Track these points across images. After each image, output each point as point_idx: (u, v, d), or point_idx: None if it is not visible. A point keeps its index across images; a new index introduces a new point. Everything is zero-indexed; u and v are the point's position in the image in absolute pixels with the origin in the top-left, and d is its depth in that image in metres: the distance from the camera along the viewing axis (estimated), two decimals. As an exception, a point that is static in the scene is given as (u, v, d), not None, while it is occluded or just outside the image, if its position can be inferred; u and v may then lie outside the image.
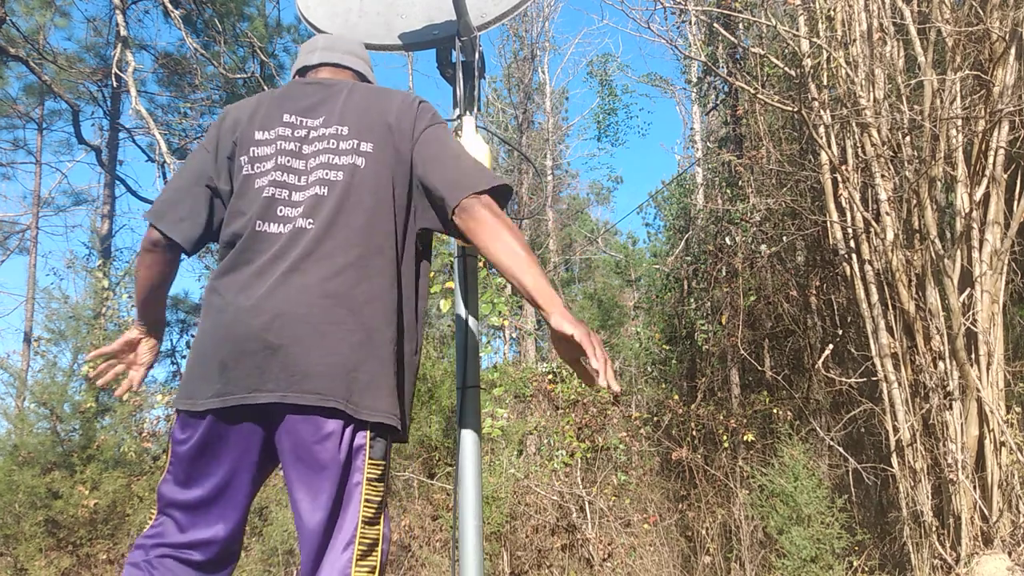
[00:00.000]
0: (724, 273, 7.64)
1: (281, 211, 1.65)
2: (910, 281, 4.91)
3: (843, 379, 5.46)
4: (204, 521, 1.61)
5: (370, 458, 1.57)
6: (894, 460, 4.87)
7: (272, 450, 1.62)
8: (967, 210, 4.70)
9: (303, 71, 1.93)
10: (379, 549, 1.59)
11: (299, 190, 1.67)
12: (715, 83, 9.48)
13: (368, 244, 1.63)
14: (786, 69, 5.68)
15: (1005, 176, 4.74)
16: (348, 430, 1.54)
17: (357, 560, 1.53)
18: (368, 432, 1.57)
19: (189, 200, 1.75)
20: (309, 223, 1.61)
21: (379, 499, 1.60)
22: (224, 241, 1.70)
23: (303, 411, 1.52)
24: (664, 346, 8.68)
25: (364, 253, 1.62)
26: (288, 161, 1.69)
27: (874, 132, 5.05)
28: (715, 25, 7.76)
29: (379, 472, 1.60)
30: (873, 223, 5.04)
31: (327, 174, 1.66)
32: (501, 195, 1.71)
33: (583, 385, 7.31)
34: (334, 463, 1.53)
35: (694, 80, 11.09)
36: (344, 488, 1.54)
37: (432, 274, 7.03)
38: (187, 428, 1.60)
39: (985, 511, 4.45)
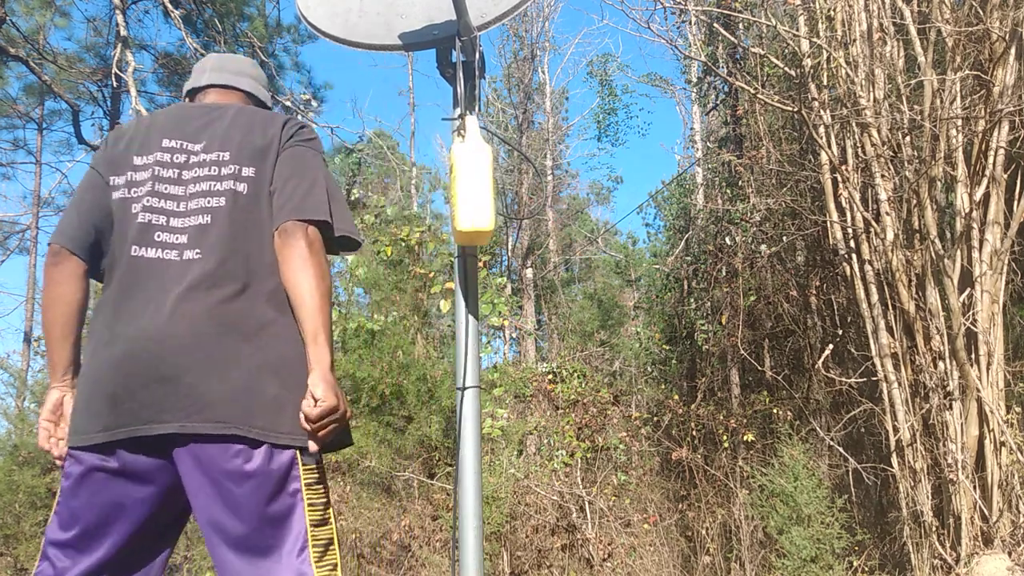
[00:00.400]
0: (724, 273, 7.64)
1: (159, 236, 1.62)
2: (910, 281, 4.91)
3: (843, 379, 5.46)
4: (86, 557, 1.57)
5: (303, 464, 1.59)
6: (894, 460, 4.87)
7: (168, 482, 1.58)
8: (967, 210, 4.70)
9: (192, 93, 1.91)
10: (335, 548, 1.62)
11: (178, 216, 1.64)
12: (715, 83, 9.49)
13: (258, 268, 1.62)
14: (786, 69, 5.68)
15: (1005, 176, 4.74)
16: (264, 448, 1.54)
17: (316, 562, 1.55)
18: (297, 452, 1.59)
19: (87, 219, 1.70)
20: (196, 253, 1.60)
21: (323, 501, 1.62)
22: (106, 265, 1.69)
23: (209, 439, 1.51)
24: (664, 346, 8.68)
25: (254, 278, 1.61)
26: (165, 187, 1.66)
27: (874, 132, 5.05)
28: (715, 25, 7.76)
29: (316, 475, 1.62)
30: (873, 223, 5.04)
31: (209, 201, 1.64)
32: (344, 245, 1.73)
33: (584, 385, 7.31)
34: (260, 475, 1.53)
35: (694, 80, 11.09)
36: (277, 499, 1.55)
37: (432, 274, 7.03)
38: (74, 464, 1.56)
39: (985, 511, 4.45)
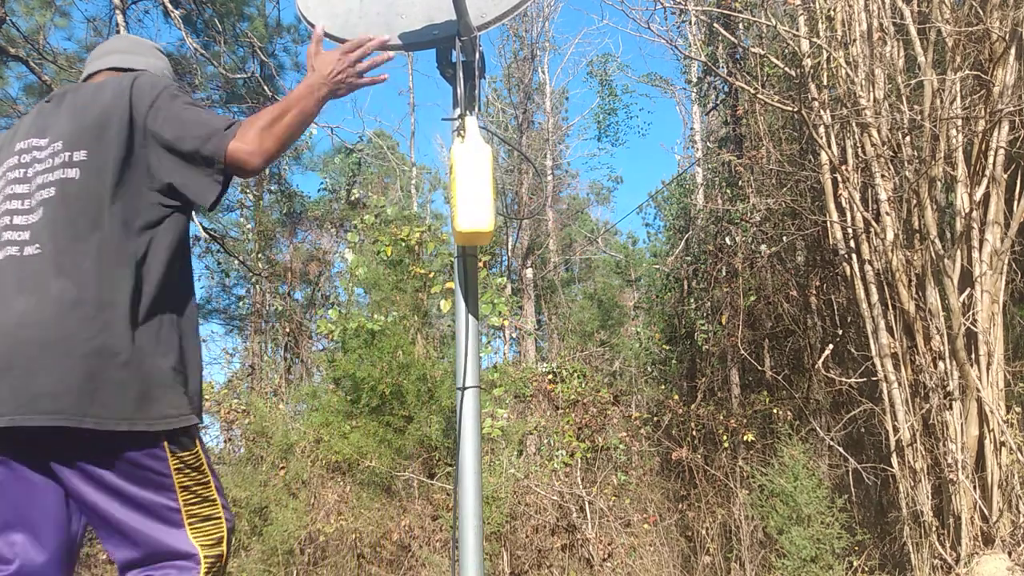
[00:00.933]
0: (724, 273, 7.64)
1: (7, 236, 1.63)
2: (910, 281, 4.91)
3: (843, 379, 5.46)
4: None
5: (171, 452, 1.60)
6: (894, 460, 4.87)
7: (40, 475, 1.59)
8: (967, 210, 4.70)
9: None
10: (222, 523, 1.67)
11: (22, 214, 1.64)
12: (715, 83, 9.48)
13: (99, 255, 1.58)
14: (786, 69, 5.68)
15: (1005, 176, 4.74)
16: (109, 434, 1.54)
17: (193, 532, 1.61)
18: (165, 442, 1.60)
19: None
20: (36, 248, 1.59)
21: (202, 484, 1.64)
22: None
23: (46, 432, 1.51)
24: (664, 346, 8.68)
25: (92, 265, 1.58)
26: (13, 188, 1.67)
27: (874, 132, 5.05)
28: (715, 25, 7.76)
29: (190, 460, 1.63)
30: (873, 223, 5.04)
31: (43, 194, 1.63)
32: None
33: (584, 385, 7.31)
34: (126, 464, 1.55)
35: (694, 80, 11.09)
36: (149, 486, 1.57)
37: (432, 274, 7.03)
38: None
39: (985, 511, 4.45)
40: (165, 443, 1.59)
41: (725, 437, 6.66)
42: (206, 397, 7.63)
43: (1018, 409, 4.77)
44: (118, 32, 8.91)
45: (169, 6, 8.97)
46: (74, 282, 1.56)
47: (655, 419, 7.34)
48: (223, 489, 1.75)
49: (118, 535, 1.59)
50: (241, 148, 1.62)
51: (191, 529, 1.62)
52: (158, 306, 1.63)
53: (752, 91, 6.05)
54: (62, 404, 1.49)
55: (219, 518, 1.69)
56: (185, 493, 1.62)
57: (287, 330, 11.54)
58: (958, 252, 4.73)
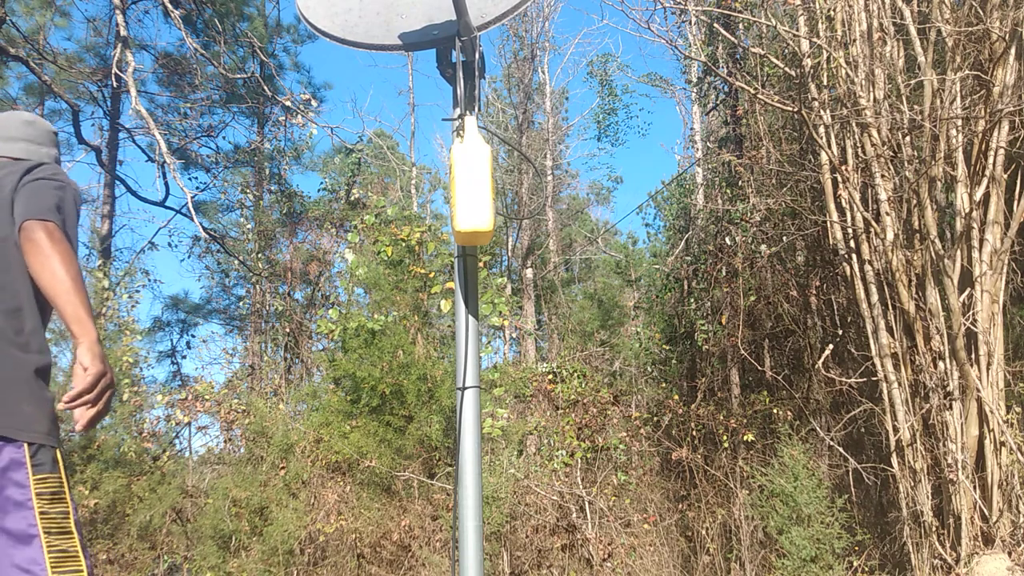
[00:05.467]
0: (724, 273, 7.64)
1: None
2: (910, 281, 4.90)
3: (843, 379, 5.45)
4: None
5: (35, 474, 1.65)
6: (894, 460, 4.87)
7: None
8: (967, 210, 4.70)
9: None
10: (81, 559, 1.68)
11: None
12: (715, 83, 9.48)
13: None
14: (786, 69, 5.68)
15: (1005, 176, 4.74)
16: None
17: (53, 567, 1.62)
18: (25, 446, 1.65)
19: None
20: None
21: (59, 513, 1.67)
22: None
23: None
24: (664, 346, 8.67)
25: None
26: None
27: (874, 132, 5.05)
28: (715, 25, 7.76)
29: (53, 486, 1.67)
30: (873, 223, 5.04)
31: None
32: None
33: (584, 385, 7.31)
34: None
35: (694, 80, 11.09)
36: (3, 502, 1.62)
37: (432, 274, 7.03)
38: None
39: (985, 511, 4.45)
40: (29, 453, 1.67)
41: (725, 437, 6.66)
42: (206, 397, 7.64)
43: (1018, 409, 4.77)
44: (118, 32, 8.91)
45: (169, 6, 8.96)
46: None
47: (655, 419, 7.33)
48: (81, 526, 1.78)
49: None
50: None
51: (51, 557, 1.64)
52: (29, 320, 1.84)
53: (752, 91, 6.05)
54: None
55: (78, 557, 1.70)
56: (44, 520, 1.65)
57: (287, 330, 11.53)
58: (958, 252, 4.73)
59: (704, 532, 6.25)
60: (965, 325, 4.59)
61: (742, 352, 7.05)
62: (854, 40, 5.16)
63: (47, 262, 1.71)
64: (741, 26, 7.74)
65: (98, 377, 1.67)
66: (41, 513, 1.64)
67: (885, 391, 4.95)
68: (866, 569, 5.18)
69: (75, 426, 1.68)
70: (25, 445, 1.66)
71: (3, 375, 1.69)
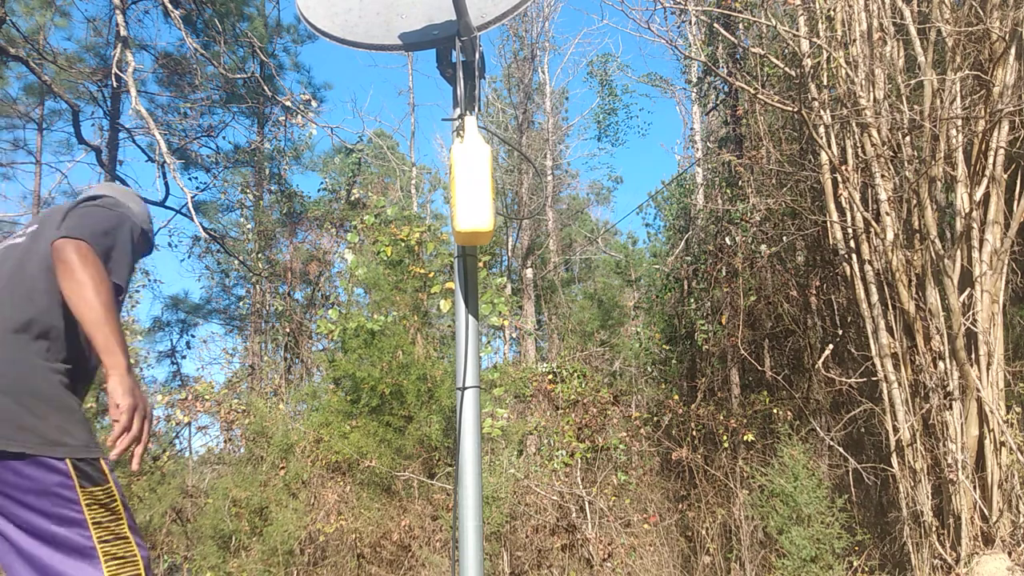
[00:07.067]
0: (724, 273, 7.63)
1: None
2: (910, 281, 4.90)
3: (843, 379, 5.45)
4: None
5: (81, 487, 1.65)
6: (894, 460, 4.87)
7: None
8: (967, 210, 4.70)
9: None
10: (139, 559, 1.69)
11: None
12: (715, 83, 9.48)
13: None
14: (786, 69, 5.68)
15: (1005, 176, 4.74)
16: (32, 464, 1.60)
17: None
18: (68, 463, 1.64)
19: None
20: None
21: (112, 520, 1.67)
22: None
23: None
24: (664, 346, 8.67)
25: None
26: None
27: (874, 132, 5.04)
28: (715, 25, 7.76)
29: (103, 497, 1.67)
30: (873, 223, 5.04)
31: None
32: (117, 270, 1.80)
33: (584, 385, 7.31)
34: (31, 496, 1.60)
35: (694, 80, 11.09)
36: (56, 521, 1.61)
37: (432, 274, 7.03)
38: None
39: (985, 511, 4.44)
40: (73, 467, 1.65)
41: (725, 437, 6.66)
42: (207, 397, 7.64)
43: (1018, 409, 4.77)
44: (118, 32, 8.91)
45: (169, 6, 8.96)
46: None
47: (655, 419, 7.33)
48: (136, 525, 1.78)
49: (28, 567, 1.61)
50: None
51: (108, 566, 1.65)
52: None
53: (752, 91, 6.05)
54: None
55: (135, 558, 1.71)
56: (98, 529, 1.65)
57: (287, 330, 11.53)
58: (958, 252, 4.73)
59: (704, 532, 6.25)
60: (965, 325, 4.59)
61: (742, 352, 7.05)
62: (854, 40, 5.16)
63: (77, 288, 1.64)
64: (741, 26, 7.73)
65: (132, 411, 1.62)
66: (95, 524, 1.64)
67: (885, 391, 4.95)
68: (866, 569, 5.18)
69: (131, 465, 1.66)
70: (68, 462, 1.64)
71: (37, 394, 1.66)
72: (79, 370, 1.79)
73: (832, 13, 5.32)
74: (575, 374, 7.45)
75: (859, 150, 5.20)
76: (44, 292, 1.75)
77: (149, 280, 12.55)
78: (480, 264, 6.61)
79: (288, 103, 10.33)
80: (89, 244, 1.70)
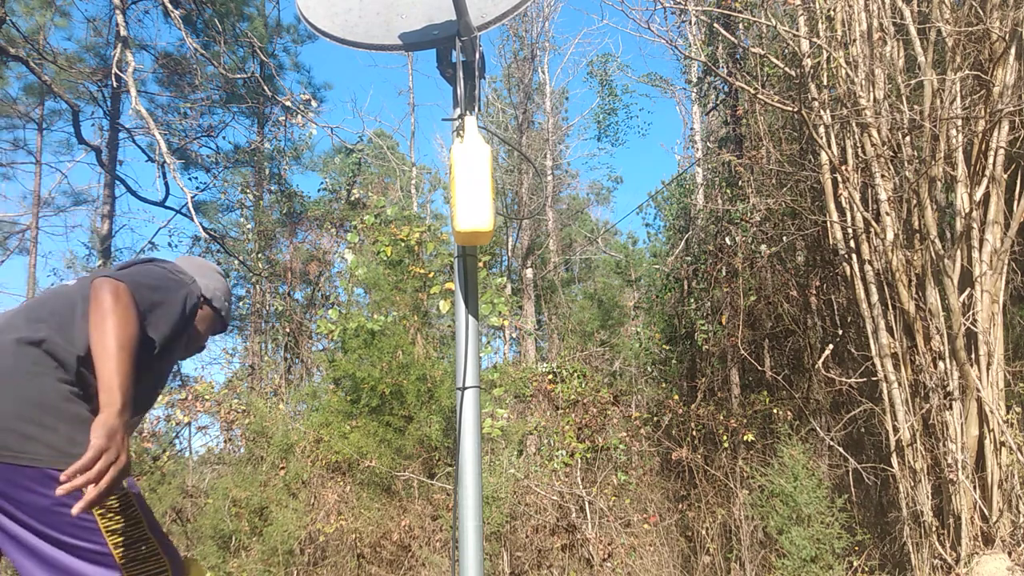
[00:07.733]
0: (724, 273, 7.63)
1: None
2: (910, 281, 4.90)
3: (843, 379, 5.45)
4: None
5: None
6: (894, 460, 4.87)
7: None
8: (967, 210, 4.70)
9: None
10: (163, 558, 1.70)
11: None
12: (715, 83, 9.48)
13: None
14: (786, 69, 5.68)
15: (1005, 176, 4.74)
16: (42, 476, 1.59)
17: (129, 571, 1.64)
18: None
19: None
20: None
21: (129, 524, 1.67)
22: None
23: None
24: (664, 346, 8.67)
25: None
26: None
27: (874, 132, 5.05)
28: (715, 25, 7.76)
29: (116, 503, 1.66)
30: (873, 223, 5.04)
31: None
32: (153, 315, 1.81)
33: (584, 385, 7.31)
34: (42, 504, 1.59)
35: (694, 80, 11.09)
36: (71, 531, 1.61)
37: (431, 274, 7.03)
38: None
39: (985, 511, 4.45)
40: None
41: (725, 437, 6.66)
42: (207, 397, 7.63)
43: (1018, 409, 4.77)
44: (118, 32, 8.91)
45: (169, 6, 8.96)
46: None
47: (655, 419, 7.33)
48: (159, 526, 1.78)
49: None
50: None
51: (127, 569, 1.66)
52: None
53: (752, 91, 6.05)
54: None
55: (158, 555, 1.72)
56: (114, 536, 1.65)
57: (287, 330, 11.54)
58: (958, 252, 4.73)
59: (704, 532, 6.25)
60: (965, 325, 4.59)
61: (742, 352, 7.05)
62: (854, 40, 5.16)
63: (100, 319, 1.64)
64: (741, 26, 7.74)
65: (100, 452, 1.50)
66: (109, 531, 1.64)
67: (885, 391, 4.95)
68: (866, 569, 5.18)
69: (71, 508, 1.56)
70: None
71: (46, 408, 1.64)
72: (89, 396, 1.76)
73: (832, 13, 5.32)
74: (575, 374, 7.45)
75: (859, 150, 5.20)
76: (68, 321, 1.76)
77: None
78: (480, 264, 6.61)
79: (288, 103, 10.34)
80: (128, 287, 1.71)
